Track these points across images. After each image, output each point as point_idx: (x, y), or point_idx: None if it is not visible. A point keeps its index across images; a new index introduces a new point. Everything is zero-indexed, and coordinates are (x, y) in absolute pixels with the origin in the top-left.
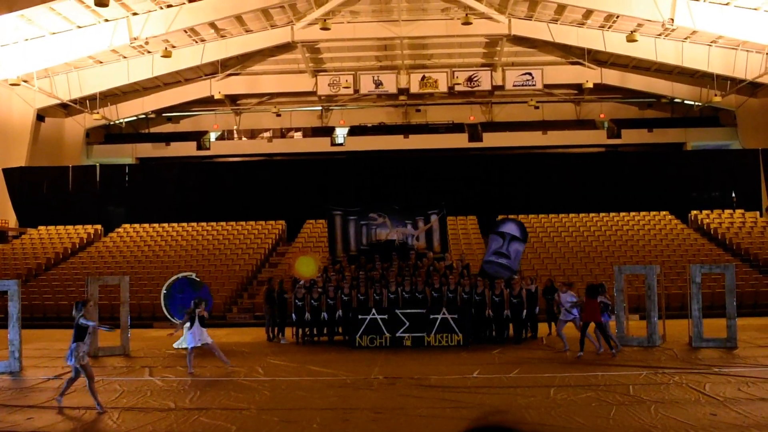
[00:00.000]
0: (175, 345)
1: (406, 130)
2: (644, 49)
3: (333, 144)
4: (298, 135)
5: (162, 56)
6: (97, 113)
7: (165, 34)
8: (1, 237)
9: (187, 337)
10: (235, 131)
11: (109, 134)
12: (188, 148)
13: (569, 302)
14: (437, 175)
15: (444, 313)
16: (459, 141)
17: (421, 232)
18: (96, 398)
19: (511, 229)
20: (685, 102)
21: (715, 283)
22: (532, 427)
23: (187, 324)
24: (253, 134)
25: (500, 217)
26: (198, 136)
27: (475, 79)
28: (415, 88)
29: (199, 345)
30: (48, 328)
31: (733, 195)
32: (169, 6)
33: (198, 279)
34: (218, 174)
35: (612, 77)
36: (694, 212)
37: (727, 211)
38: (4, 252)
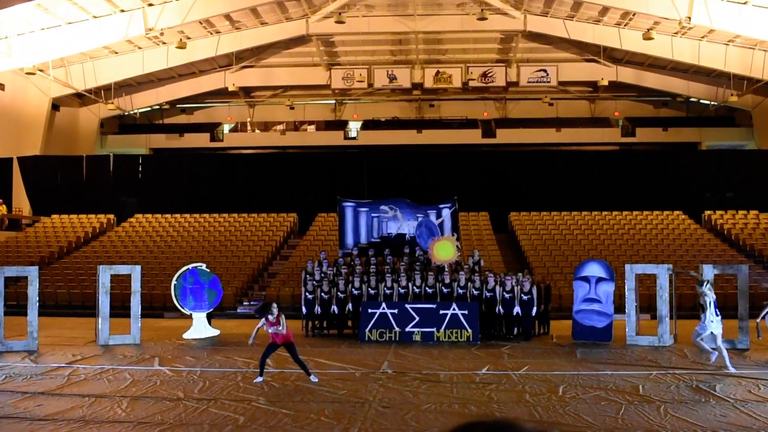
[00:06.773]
0: (185, 335)
1: (419, 124)
2: (660, 47)
3: (346, 138)
4: (311, 128)
5: (177, 47)
6: (112, 103)
7: (180, 26)
8: (14, 225)
9: None
10: (248, 123)
11: (123, 124)
12: (201, 140)
13: None
14: (450, 171)
15: (454, 309)
16: (472, 137)
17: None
18: None
19: (594, 271)
20: (701, 101)
21: (727, 284)
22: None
23: (198, 314)
24: (266, 127)
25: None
26: (211, 128)
27: (489, 74)
28: (429, 83)
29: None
30: (60, 316)
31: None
32: None
33: (208, 270)
34: (231, 166)
35: (627, 75)
36: (707, 212)
37: (741, 212)
38: (17, 240)
